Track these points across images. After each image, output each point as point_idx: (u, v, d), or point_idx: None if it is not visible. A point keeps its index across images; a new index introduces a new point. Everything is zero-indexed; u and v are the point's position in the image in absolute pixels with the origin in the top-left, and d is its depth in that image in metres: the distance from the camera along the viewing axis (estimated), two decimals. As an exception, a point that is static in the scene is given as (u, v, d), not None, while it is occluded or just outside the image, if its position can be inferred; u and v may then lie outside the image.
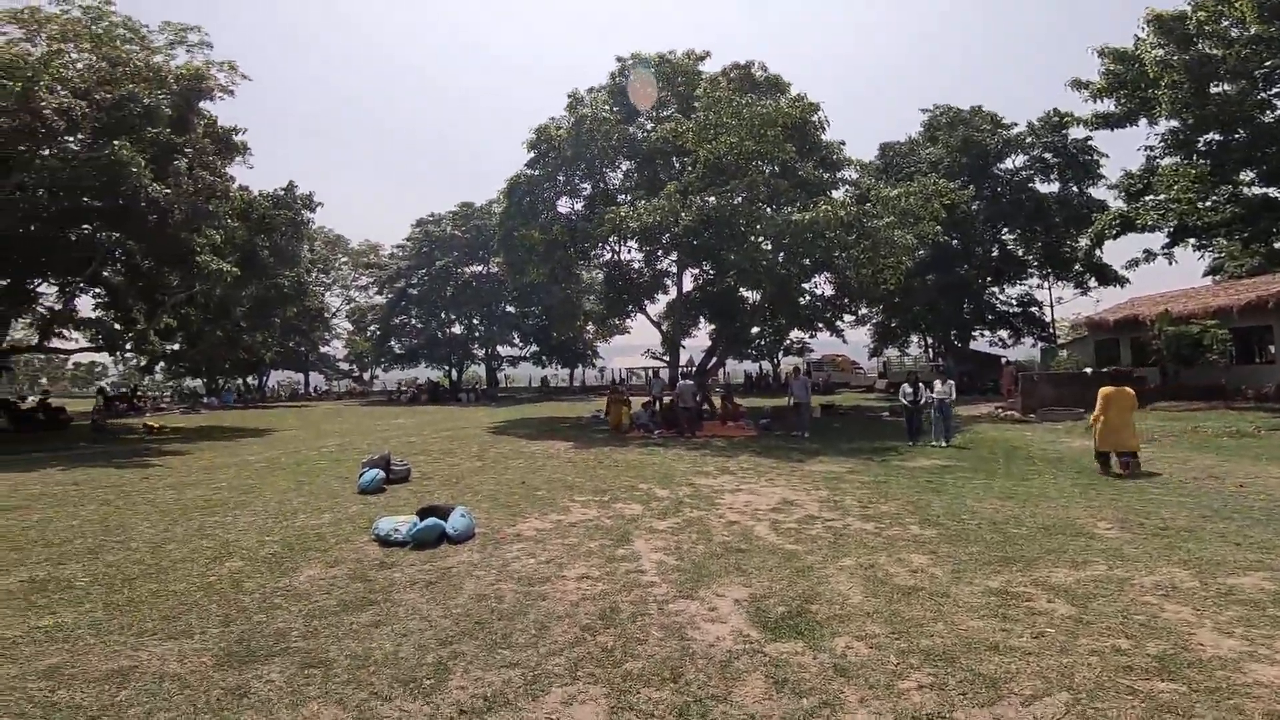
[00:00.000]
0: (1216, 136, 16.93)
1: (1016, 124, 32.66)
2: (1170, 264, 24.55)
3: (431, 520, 6.51)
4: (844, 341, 35.58)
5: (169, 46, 21.63)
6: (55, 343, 24.04)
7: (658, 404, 19.48)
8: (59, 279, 21.42)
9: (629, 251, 24.91)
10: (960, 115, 32.98)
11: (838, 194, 21.94)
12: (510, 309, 45.52)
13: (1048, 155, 31.89)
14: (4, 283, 20.39)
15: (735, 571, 5.53)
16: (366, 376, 58.11)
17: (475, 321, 45.99)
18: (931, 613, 4.46)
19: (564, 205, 23.71)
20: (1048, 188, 32.23)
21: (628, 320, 33.61)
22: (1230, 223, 17.19)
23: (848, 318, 31.07)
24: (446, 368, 48.24)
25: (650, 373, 38.42)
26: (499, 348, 47.65)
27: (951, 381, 14.98)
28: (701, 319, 27.04)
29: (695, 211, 18.11)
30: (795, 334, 36.11)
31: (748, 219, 18.29)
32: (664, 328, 26.63)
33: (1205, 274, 35.54)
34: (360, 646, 4.16)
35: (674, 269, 25.22)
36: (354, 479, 9.87)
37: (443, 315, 45.44)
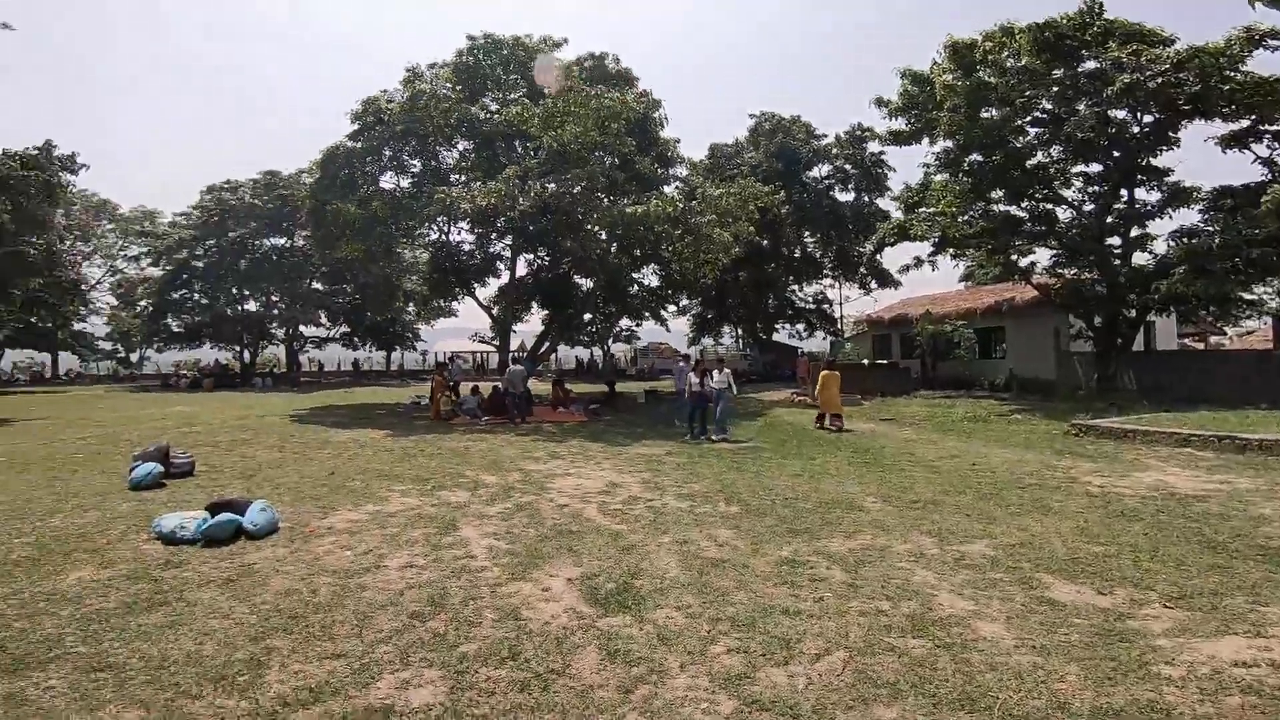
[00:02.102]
0: (978, 158, 19.51)
1: (827, 135, 36.19)
2: (934, 270, 28.67)
3: (226, 516, 5.95)
4: (667, 330, 37.37)
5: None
6: None
7: (455, 391, 18.90)
8: None
9: (460, 233, 24.21)
10: (781, 123, 35.83)
11: (669, 190, 22.97)
12: (318, 286, 41.86)
13: (848, 166, 35.68)
14: None
15: (567, 553, 5.71)
16: (134, 358, 50.20)
17: (275, 298, 41.62)
18: (735, 582, 4.94)
19: (388, 180, 22.63)
20: (845, 196, 36.14)
21: (455, 303, 32.51)
22: (980, 235, 20.23)
23: (671, 308, 32.71)
24: (237, 349, 43.24)
25: (448, 357, 36.85)
26: (302, 327, 43.52)
27: (728, 371, 13.97)
28: (534, 304, 27.01)
29: (534, 197, 18.00)
30: (624, 322, 37.42)
31: (586, 208, 18.51)
32: (495, 312, 26.15)
33: (960, 280, 41.85)
34: (155, 648, 3.88)
35: (508, 253, 24.90)
36: (119, 473, 8.72)
37: (234, 290, 40.60)
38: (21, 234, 22.63)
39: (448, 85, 21.42)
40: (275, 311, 41.75)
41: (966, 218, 19.98)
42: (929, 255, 22.42)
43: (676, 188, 23.94)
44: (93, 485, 8.36)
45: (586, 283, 24.58)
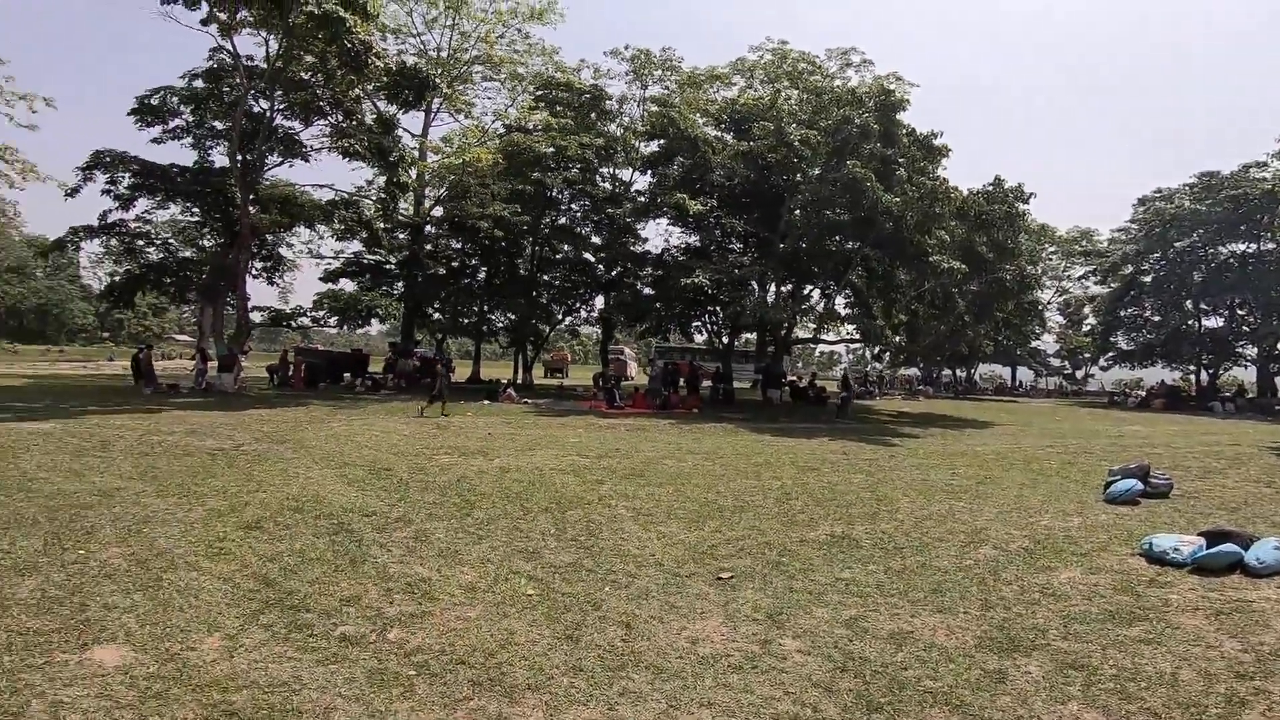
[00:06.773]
0: None
1: None
2: None
3: (1227, 546, 5.52)
4: None
5: (840, 70, 24.71)
6: (823, 335, 30.91)
7: None
8: (822, 284, 27.26)
9: None
10: None
11: None
12: (1304, 295, 33.31)
13: None
14: (789, 288, 27.42)
15: None
16: (1079, 374, 52.74)
17: (1241, 313, 35.68)
18: None
19: None
20: None
21: None
22: None
23: None
24: (1192, 369, 39.10)
25: None
26: (1280, 345, 35.45)
27: None
28: None
29: None
30: None
31: None
32: None
33: None
34: (1127, 660, 3.96)
35: None
36: (1091, 484, 9.23)
37: (1188, 306, 37.14)
38: (1000, 262, 26.51)
39: None
40: (1244, 328, 35.87)
41: None
42: None
43: None
44: (1069, 491, 9.07)
45: None
